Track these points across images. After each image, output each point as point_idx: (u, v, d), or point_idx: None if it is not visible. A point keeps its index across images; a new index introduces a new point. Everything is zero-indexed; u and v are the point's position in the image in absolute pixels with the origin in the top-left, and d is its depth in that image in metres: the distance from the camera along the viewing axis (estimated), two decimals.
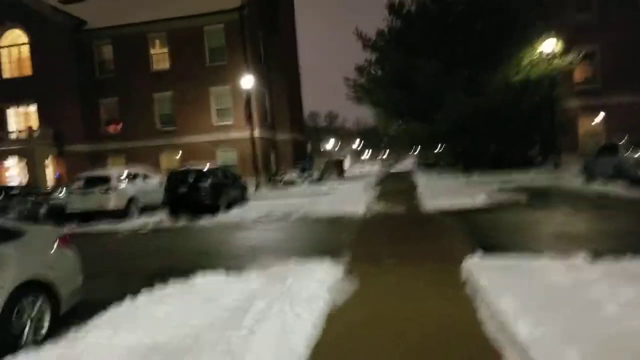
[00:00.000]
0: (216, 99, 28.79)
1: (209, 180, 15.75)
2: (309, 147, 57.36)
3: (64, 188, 18.20)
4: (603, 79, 25.76)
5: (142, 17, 28.72)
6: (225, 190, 16.54)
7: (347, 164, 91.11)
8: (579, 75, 25.48)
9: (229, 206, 16.40)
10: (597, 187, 14.64)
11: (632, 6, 24.91)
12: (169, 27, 28.54)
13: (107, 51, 29.46)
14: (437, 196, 14.64)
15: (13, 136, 27.53)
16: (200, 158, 26.68)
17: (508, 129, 22.16)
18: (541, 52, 21.56)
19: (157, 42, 29.19)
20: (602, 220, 9.27)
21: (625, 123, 24.42)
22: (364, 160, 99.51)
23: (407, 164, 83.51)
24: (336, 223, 11.83)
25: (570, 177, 18.64)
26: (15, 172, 27.71)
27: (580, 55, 22.58)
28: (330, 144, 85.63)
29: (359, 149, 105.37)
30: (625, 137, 14.98)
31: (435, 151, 25.54)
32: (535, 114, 22.39)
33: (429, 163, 26.31)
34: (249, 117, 24.01)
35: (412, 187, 20.39)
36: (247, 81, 24.36)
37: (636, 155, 13.48)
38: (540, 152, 25.83)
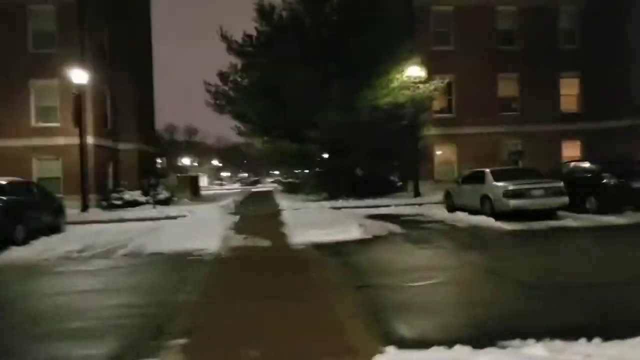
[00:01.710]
0: (38, 95, 23.43)
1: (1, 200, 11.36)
2: (162, 161, 51.84)
3: None
4: (457, 110, 26.62)
5: None
6: (27, 213, 12.24)
7: (204, 182, 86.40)
8: (436, 104, 25.81)
9: (34, 235, 12.16)
10: (465, 217, 13.74)
11: (485, 39, 26.18)
12: None
13: None
14: (307, 226, 12.39)
15: None
16: (11, 168, 21.16)
17: (374, 153, 21.14)
18: (408, 77, 21.11)
19: None
20: (508, 262, 7.69)
21: (475, 153, 25.40)
22: (223, 179, 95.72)
23: (269, 184, 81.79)
24: (178, 265, 8.78)
25: (433, 206, 18.04)
26: None
27: (444, 82, 22.75)
28: (187, 161, 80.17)
29: (219, 167, 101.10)
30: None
31: (302, 172, 23.52)
32: (399, 138, 21.79)
33: (293, 185, 24.28)
34: (78, 119, 19.42)
35: (277, 213, 18.02)
36: (79, 75, 19.84)
37: (507, 186, 12.67)
38: (400, 179, 25.52)
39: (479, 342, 3.99)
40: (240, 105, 21.28)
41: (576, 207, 13.05)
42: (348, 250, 9.45)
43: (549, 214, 12.85)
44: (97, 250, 10.79)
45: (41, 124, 23.31)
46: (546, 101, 26.48)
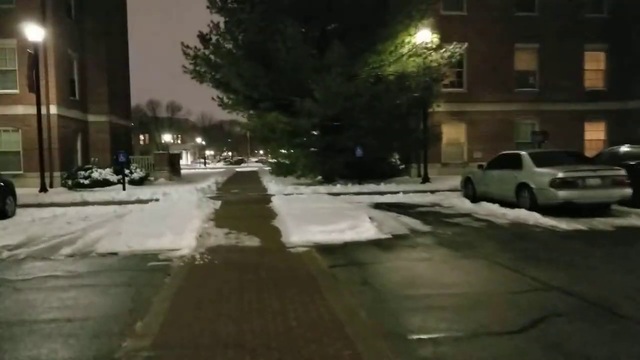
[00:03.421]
0: None
1: None
2: (143, 138, 48.51)
3: None
4: (468, 84, 24.16)
5: None
6: None
7: (187, 160, 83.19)
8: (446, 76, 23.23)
9: None
10: (498, 209, 11.35)
11: (502, 3, 23.53)
12: None
13: None
14: (304, 218, 9.93)
15: None
16: None
17: (377, 130, 18.51)
18: (419, 42, 18.42)
19: None
20: (617, 289, 5.33)
21: (487, 133, 23.16)
22: (207, 158, 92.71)
23: (253, 164, 78.73)
24: (133, 277, 6.28)
25: (448, 194, 15.71)
26: None
27: (462, 48, 20.00)
28: (168, 137, 76.83)
29: (202, 145, 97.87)
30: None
31: (292, 152, 20.79)
32: (406, 114, 19.22)
33: (282, 165, 21.66)
34: (33, 83, 16.57)
35: (265, 199, 15.47)
36: (36, 32, 16.89)
37: (555, 173, 10.25)
38: (402, 161, 23.07)
39: None
40: (223, 71, 18.29)
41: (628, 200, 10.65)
42: (365, 258, 7.04)
43: (603, 208, 10.52)
44: (39, 246, 8.36)
45: None
46: (568, 77, 24.04)
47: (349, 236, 8.54)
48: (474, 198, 13.48)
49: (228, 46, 18.98)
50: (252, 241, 8.47)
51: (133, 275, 6.38)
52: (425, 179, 19.30)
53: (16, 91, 20.01)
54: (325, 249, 7.64)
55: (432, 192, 16.42)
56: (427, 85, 18.48)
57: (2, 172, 19.25)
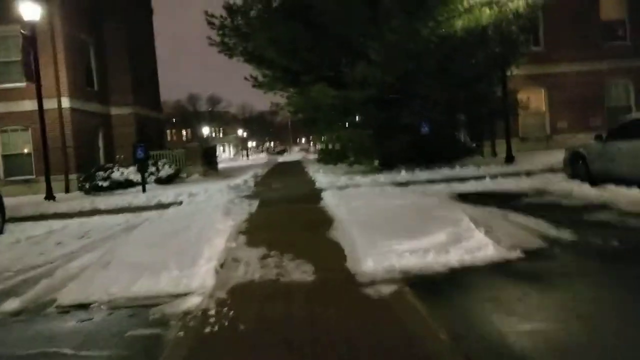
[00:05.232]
0: None
1: None
2: (185, 132, 45.81)
3: None
4: (546, 41, 20.17)
5: None
6: None
7: (229, 153, 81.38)
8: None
9: None
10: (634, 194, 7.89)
11: None
12: None
13: None
14: (375, 225, 6.75)
15: None
16: None
17: (444, 99, 14.90)
18: None
19: None
20: None
21: (571, 100, 19.28)
22: (249, 150, 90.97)
23: (296, 153, 75.73)
24: None
25: (545, 176, 12.11)
26: None
27: None
28: (206, 130, 75.13)
29: (244, 137, 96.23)
30: None
31: (343, 133, 17.36)
32: (480, 78, 15.53)
33: (330, 152, 18.46)
34: (30, 70, 14.07)
35: (315, 196, 12.14)
36: (31, 10, 14.32)
37: None
38: (473, 137, 19.36)
39: None
40: (255, 39, 14.97)
41: None
42: (507, 313, 3.74)
43: None
44: None
45: (1, 85, 18.06)
46: None
47: (456, 257, 5.32)
48: (590, 179, 9.99)
49: (258, 7, 15.66)
50: (302, 272, 5.32)
51: None
52: (509, 158, 15.62)
53: (22, 84, 17.64)
54: (427, 288, 4.46)
55: (526, 174, 12.81)
56: (514, 36, 14.59)
57: (12, 178, 17.21)
